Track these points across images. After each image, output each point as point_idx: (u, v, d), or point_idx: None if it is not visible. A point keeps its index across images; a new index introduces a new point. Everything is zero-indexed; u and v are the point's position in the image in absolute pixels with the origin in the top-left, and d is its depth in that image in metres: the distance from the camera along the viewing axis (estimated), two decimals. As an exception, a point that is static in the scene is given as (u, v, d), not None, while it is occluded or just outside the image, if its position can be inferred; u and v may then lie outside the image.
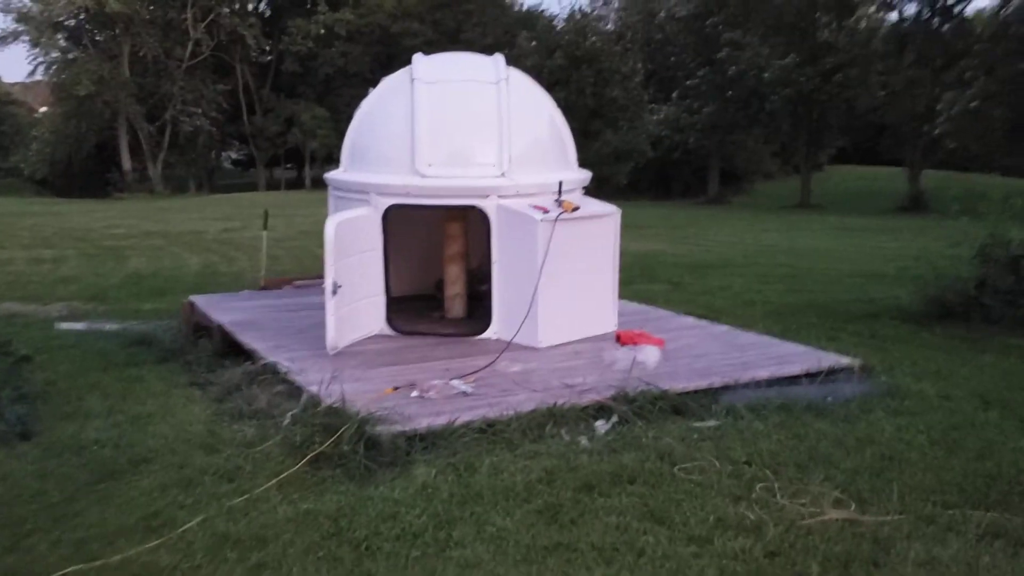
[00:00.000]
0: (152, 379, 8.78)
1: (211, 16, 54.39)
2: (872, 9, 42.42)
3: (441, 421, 6.46)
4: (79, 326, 11.56)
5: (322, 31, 54.57)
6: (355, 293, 8.48)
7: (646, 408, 6.92)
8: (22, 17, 54.15)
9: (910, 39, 38.73)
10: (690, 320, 9.95)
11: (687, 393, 7.26)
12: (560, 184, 8.75)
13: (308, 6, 56.28)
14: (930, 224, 31.19)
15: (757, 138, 47.39)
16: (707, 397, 7.29)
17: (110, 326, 11.46)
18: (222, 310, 10.10)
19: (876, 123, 45.28)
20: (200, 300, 10.64)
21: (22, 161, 54.71)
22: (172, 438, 6.97)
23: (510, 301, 8.74)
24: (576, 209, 8.63)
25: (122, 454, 6.59)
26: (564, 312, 8.72)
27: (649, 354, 7.88)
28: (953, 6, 36.67)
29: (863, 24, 42.91)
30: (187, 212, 35.24)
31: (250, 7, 57.98)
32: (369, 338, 8.80)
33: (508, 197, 8.68)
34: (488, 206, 8.67)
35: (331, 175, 9.48)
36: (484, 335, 8.89)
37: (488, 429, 6.44)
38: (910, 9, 38.91)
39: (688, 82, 45.88)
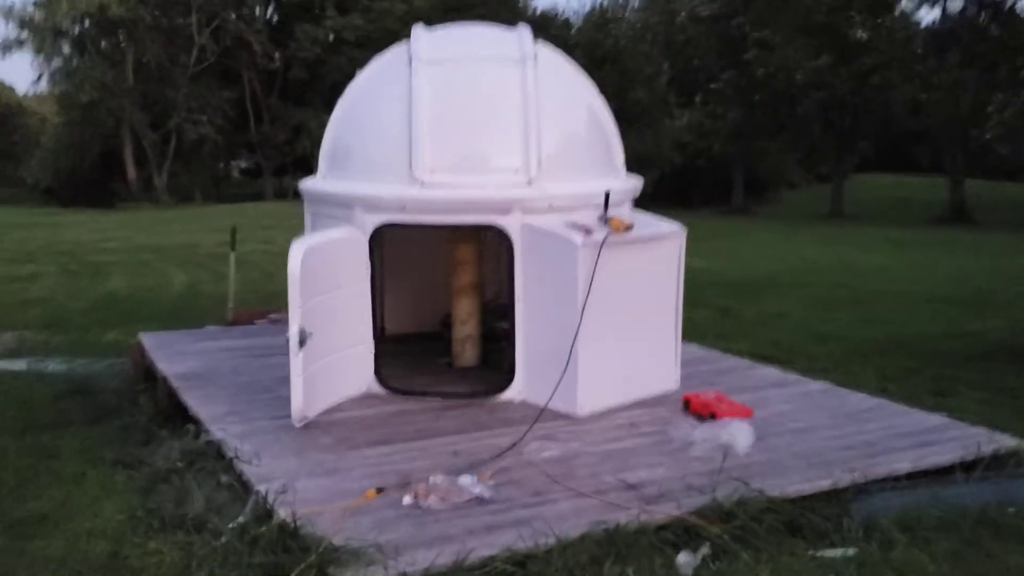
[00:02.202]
0: (70, 452, 6.67)
1: (216, 22, 52.54)
2: (912, 6, 40.02)
3: (446, 557, 4.24)
4: (18, 365, 9.53)
5: (331, 37, 52.66)
6: (332, 343, 6.29)
7: (750, 528, 4.68)
8: (25, 24, 52.59)
9: (954, 37, 36.28)
10: (773, 372, 7.69)
11: (803, 499, 5.04)
12: (607, 195, 6.55)
13: (316, 12, 54.32)
14: (984, 238, 28.93)
15: (783, 145, 44.99)
16: (831, 503, 5.06)
17: (53, 366, 9.48)
18: (172, 356, 7.93)
19: (913, 128, 42.80)
20: (150, 341, 8.47)
21: (26, 170, 53.27)
22: (58, 566, 4.81)
23: (539, 351, 6.54)
24: (629, 228, 6.43)
25: (-31, 602, 4.43)
26: (613, 367, 6.52)
27: (738, 434, 5.65)
28: (1002, 1, 34.19)
29: (897, 23, 40.52)
30: (188, 223, 33.26)
31: (257, 12, 56.13)
32: (352, 400, 6.60)
33: (537, 213, 6.49)
34: (510, 225, 6.48)
35: (306, 184, 7.31)
36: (504, 395, 6.68)
37: (517, 571, 4.23)
38: (955, 5, 36.45)
39: (712, 85, 43.57)
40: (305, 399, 5.96)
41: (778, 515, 4.79)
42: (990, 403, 7.74)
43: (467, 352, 7.57)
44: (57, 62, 53.72)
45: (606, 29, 39.08)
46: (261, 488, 5.06)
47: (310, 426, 6.08)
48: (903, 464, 5.45)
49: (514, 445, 5.71)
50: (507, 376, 6.69)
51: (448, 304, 7.68)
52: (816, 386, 7.20)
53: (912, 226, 34.67)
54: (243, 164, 66.22)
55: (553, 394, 6.29)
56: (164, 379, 7.40)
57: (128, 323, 12.41)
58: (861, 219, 38.80)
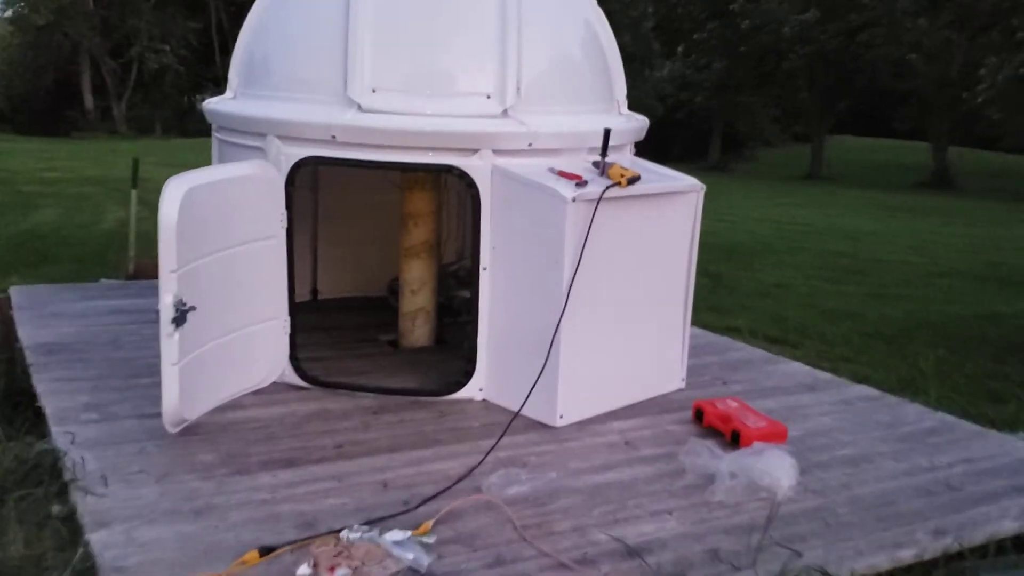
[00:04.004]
0: None
1: (182, -56, 49.96)
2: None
3: None
4: None
5: (302, -35, 50.08)
6: (228, 318, 4.65)
7: (812, 633, 3.16)
8: (-22, -62, 49.73)
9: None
10: (799, 369, 6.11)
11: (879, 579, 3.52)
12: (607, 134, 4.93)
13: (287, -62, 51.73)
14: (975, 205, 27.66)
15: (766, 100, 43.38)
16: (917, 585, 3.55)
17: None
18: (41, 319, 6.25)
19: (897, 90, 41.25)
20: (20, 297, 6.78)
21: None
22: None
23: (509, 336, 4.95)
24: (634, 180, 4.81)
25: None
26: (604, 360, 4.95)
27: (778, 468, 4.10)
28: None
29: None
30: (142, 155, 31.09)
31: (226, -63, 53.41)
32: (255, 395, 4.98)
33: (513, 154, 4.86)
34: (477, 168, 4.84)
35: (211, 104, 5.60)
36: (461, 393, 5.09)
37: None
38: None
39: (695, 36, 41.76)
40: (183, 396, 4.33)
41: (850, 610, 3.26)
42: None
43: (418, 329, 5.97)
44: (12, -19, 51.06)
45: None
46: (94, 537, 3.46)
47: (191, 432, 4.47)
48: (1008, 522, 3.93)
49: (470, 472, 4.14)
50: (466, 366, 5.09)
51: (397, 262, 6.07)
52: (857, 391, 5.65)
53: (897, 190, 33.37)
54: (208, 97, 63.76)
55: (527, 398, 4.71)
56: (20, 350, 5.75)
57: (40, 265, 10.83)
58: (842, 181, 37.47)
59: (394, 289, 6.49)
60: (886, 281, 12.34)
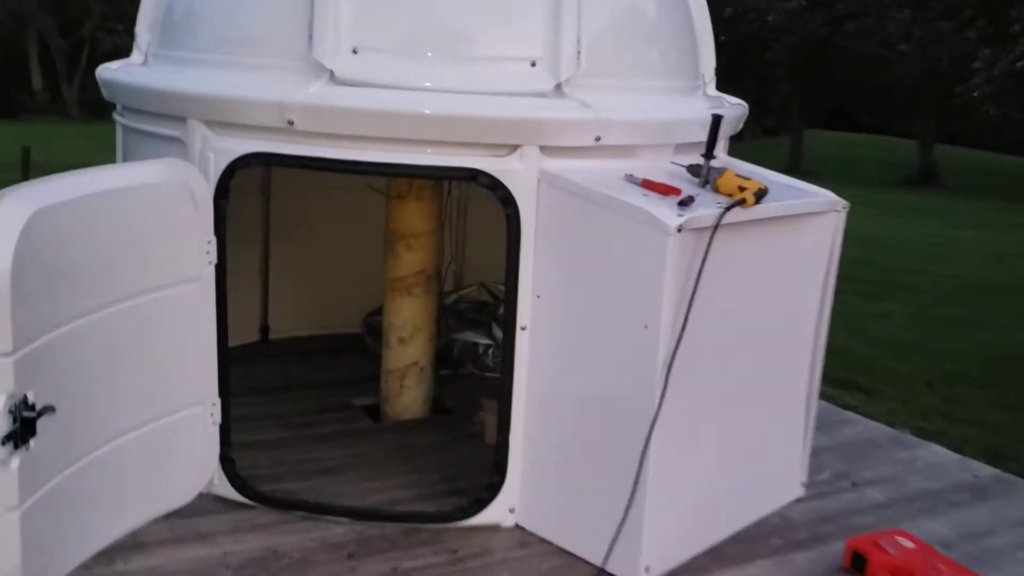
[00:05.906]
0: None
1: (135, -81, 47.69)
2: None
3: None
4: None
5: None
6: (116, 417, 2.89)
7: None
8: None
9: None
10: (945, 457, 4.35)
11: None
12: (715, 123, 3.22)
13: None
14: (970, 205, 26.46)
15: (743, 93, 42.17)
16: None
17: None
18: None
19: (878, 83, 40.11)
20: None
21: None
22: None
23: (561, 435, 3.23)
24: (763, 195, 3.10)
25: None
26: (708, 475, 3.24)
27: None
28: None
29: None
30: (92, 140, 29.07)
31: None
32: (167, 519, 3.22)
33: (573, 153, 3.13)
34: (515, 175, 3.09)
35: (109, 72, 3.79)
36: (483, 516, 3.35)
37: None
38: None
39: (675, 24, 40.34)
40: (32, 552, 2.56)
41: None
42: None
43: (408, 392, 4.23)
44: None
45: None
46: None
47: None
48: None
49: None
50: (492, 476, 3.35)
51: (377, 292, 4.37)
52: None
53: (883, 187, 32.06)
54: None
55: (611, 551, 2.98)
56: None
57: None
58: (822, 176, 36.02)
59: (373, 326, 4.83)
60: (927, 298, 10.80)
